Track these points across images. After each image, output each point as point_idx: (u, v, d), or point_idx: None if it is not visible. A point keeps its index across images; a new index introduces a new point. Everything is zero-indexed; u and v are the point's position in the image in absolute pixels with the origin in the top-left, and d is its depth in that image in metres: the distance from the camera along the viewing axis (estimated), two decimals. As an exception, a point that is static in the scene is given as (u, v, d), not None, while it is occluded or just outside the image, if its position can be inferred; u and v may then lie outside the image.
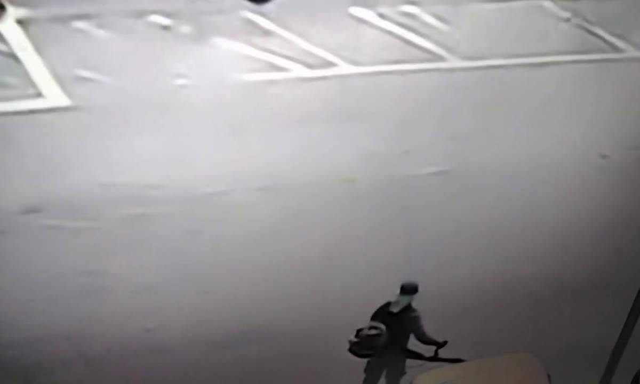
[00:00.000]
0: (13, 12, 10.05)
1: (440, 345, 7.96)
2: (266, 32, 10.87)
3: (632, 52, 11.87)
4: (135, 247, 8.63)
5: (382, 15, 11.42)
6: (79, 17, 10.32)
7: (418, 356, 7.99)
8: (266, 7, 11.06)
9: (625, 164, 10.32)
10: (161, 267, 8.54)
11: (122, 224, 8.76)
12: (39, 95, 9.45)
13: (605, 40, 11.91)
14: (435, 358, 7.96)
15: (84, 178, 8.90)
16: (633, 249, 9.41)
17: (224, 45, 10.60)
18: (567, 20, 12.08)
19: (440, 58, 11.26)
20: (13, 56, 9.73)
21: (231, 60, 10.45)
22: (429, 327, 7.71)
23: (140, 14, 10.57)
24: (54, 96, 9.49)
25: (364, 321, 7.62)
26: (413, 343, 7.86)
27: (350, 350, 7.75)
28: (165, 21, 10.65)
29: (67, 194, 8.77)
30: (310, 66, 10.73)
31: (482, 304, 8.70)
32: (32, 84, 9.55)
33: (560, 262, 9.19)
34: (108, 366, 7.84)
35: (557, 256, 9.26)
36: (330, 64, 10.78)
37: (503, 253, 9.22)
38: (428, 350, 7.99)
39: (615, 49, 11.84)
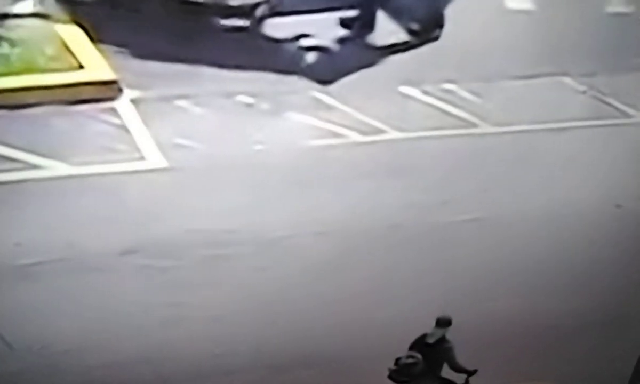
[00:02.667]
0: (128, 93, 9.59)
1: (470, 373, 6.85)
2: (329, 107, 10.11)
3: (640, 118, 10.82)
4: (211, 283, 7.81)
5: (425, 92, 10.50)
6: (180, 97, 9.77)
7: (450, 383, 6.89)
8: (331, 87, 10.32)
9: (637, 212, 9.13)
10: (232, 299, 7.68)
11: (202, 262, 7.97)
12: (142, 158, 8.89)
13: (617, 109, 10.72)
14: (466, 385, 6.92)
15: (174, 225, 8.21)
16: (646, 287, 7.99)
17: (295, 117, 9.88)
18: (584, 92, 10.92)
19: (474, 125, 10.21)
20: (124, 128, 9.23)
21: (300, 129, 9.72)
22: (461, 357, 6.68)
23: (230, 95, 9.96)
24: (154, 159, 8.90)
25: (403, 351, 6.67)
26: (446, 371, 6.81)
27: (390, 377, 6.76)
28: (249, 100, 9.99)
29: (159, 238, 8.07)
30: (364, 133, 9.86)
31: (510, 336, 7.56)
32: (137, 149, 9.00)
33: (581, 299, 8.02)
34: (181, 386, 7.03)
35: (578, 293, 8.08)
36: (381, 131, 9.88)
37: (529, 291, 8.08)
38: (460, 378, 6.89)
39: (626, 115, 10.65)
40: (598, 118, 10.51)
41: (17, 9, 9.73)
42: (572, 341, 7.67)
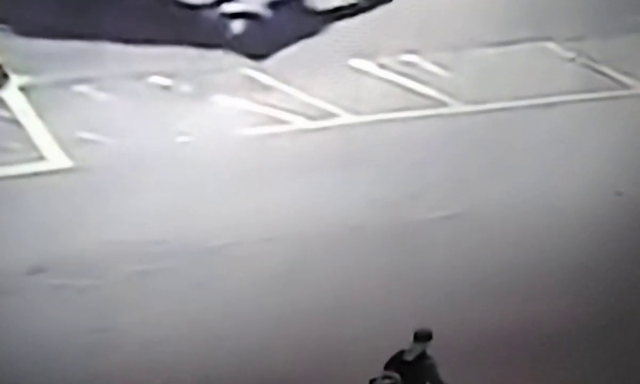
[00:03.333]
0: (16, 79, 10.59)
1: None
2: (266, 87, 11.28)
3: (640, 89, 12.12)
4: (141, 304, 8.86)
5: (382, 66, 11.77)
6: (80, 81, 10.85)
7: (435, 404, 7.98)
8: (265, 63, 11.49)
9: None
10: (168, 322, 8.75)
11: (127, 280, 9.03)
12: (41, 158, 9.92)
13: (612, 78, 12.09)
14: (453, 406, 7.98)
15: (88, 237, 9.25)
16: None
17: (225, 101, 11.03)
18: (572, 60, 12.28)
19: (443, 104, 11.52)
20: (15, 122, 10.26)
21: (232, 116, 10.85)
22: (446, 374, 7.69)
23: (141, 76, 11.07)
24: (56, 159, 9.95)
25: (378, 371, 7.61)
26: None
27: (364, 401, 7.81)
28: (165, 81, 11.13)
29: (72, 254, 9.11)
30: (311, 117, 11.08)
31: (499, 347, 8.69)
32: (34, 147, 10.03)
33: (579, 303, 9.17)
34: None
35: (576, 296, 9.25)
36: (331, 115, 11.13)
37: (518, 295, 9.23)
38: (444, 398, 7.99)
39: (623, 85, 12.00)
40: (591, 90, 11.82)
41: None
42: (570, 350, 8.69)
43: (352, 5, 12.19)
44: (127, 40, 11.20)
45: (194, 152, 10.30)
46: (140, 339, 8.56)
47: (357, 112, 11.10)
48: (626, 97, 11.87)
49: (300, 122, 10.89)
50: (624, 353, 8.75)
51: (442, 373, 7.69)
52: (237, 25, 11.77)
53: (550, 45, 12.32)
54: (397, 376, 7.62)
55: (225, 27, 11.72)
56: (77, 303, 8.78)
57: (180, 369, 8.39)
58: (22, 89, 10.52)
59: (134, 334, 8.59)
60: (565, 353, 8.70)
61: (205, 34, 11.49)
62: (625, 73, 12.11)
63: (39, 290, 8.77)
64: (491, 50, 12.05)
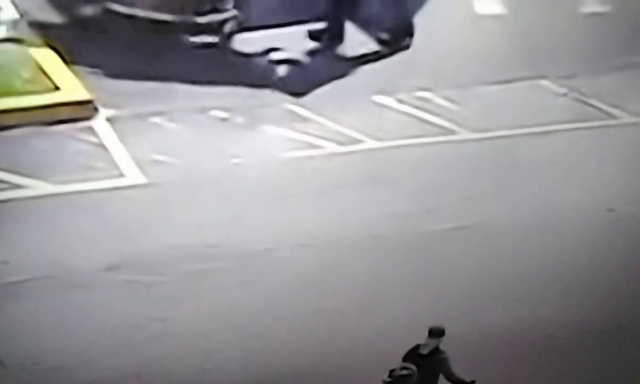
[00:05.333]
0: (103, 112, 10.66)
1: None
2: (304, 119, 11.17)
3: (627, 119, 11.55)
4: (196, 298, 8.73)
5: (400, 101, 11.57)
6: (155, 114, 10.83)
7: (448, 395, 7.69)
8: (304, 99, 11.38)
9: (630, 216, 9.98)
10: (218, 314, 8.60)
11: (186, 277, 8.91)
12: (121, 175, 9.91)
13: (601, 110, 11.66)
14: (464, 397, 7.66)
15: (155, 240, 9.16)
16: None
17: (271, 130, 10.94)
18: (565, 95, 11.87)
19: (452, 132, 11.26)
20: (102, 146, 10.27)
21: (276, 142, 10.76)
22: (458, 368, 7.36)
23: (204, 110, 11.02)
24: (133, 176, 9.93)
25: (396, 362, 7.32)
26: (443, 383, 7.50)
27: (384, 389, 7.55)
28: (223, 114, 11.05)
29: (142, 254, 9.02)
30: (341, 143, 10.93)
31: (506, 346, 8.37)
32: (116, 166, 10.03)
33: (576, 307, 8.81)
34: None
35: (573, 301, 8.88)
36: (357, 141, 10.94)
37: (523, 299, 8.89)
38: (457, 390, 7.70)
39: (611, 116, 11.56)
40: (582, 120, 11.39)
41: (-10, 34, 10.78)
42: (571, 351, 8.32)
43: (375, 53, 12.05)
44: (193, 82, 11.17)
45: (245, 171, 10.19)
46: (195, 328, 8.40)
47: (379, 139, 10.88)
48: (615, 126, 11.44)
49: (332, 147, 10.71)
50: (617, 355, 8.29)
51: (455, 366, 7.34)
52: (281, 70, 11.67)
53: (545, 82, 11.91)
54: (413, 367, 7.28)
55: (272, 71, 11.62)
56: (144, 295, 8.66)
57: (227, 357, 8.21)
58: (108, 120, 10.53)
59: (189, 323, 8.44)
60: (565, 350, 8.33)
61: (256, 77, 11.43)
62: (613, 105, 11.63)
63: (113, 285, 8.69)
64: (493, 87, 11.74)
